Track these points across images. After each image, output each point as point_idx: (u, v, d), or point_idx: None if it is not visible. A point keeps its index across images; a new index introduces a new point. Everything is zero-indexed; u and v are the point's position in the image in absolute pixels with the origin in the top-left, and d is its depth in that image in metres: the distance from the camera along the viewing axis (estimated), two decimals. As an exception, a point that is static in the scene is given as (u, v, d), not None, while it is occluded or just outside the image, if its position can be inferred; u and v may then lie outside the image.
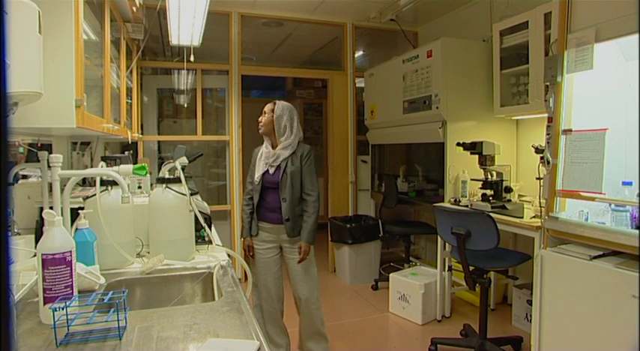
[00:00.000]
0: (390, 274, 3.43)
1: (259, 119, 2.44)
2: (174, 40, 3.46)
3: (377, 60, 4.63)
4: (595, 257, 1.93)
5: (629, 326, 1.72)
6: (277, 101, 2.46)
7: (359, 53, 5.06)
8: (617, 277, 1.79)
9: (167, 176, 1.69)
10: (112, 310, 1.03)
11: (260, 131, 2.44)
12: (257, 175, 2.41)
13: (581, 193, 2.06)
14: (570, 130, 2.16)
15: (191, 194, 1.71)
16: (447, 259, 3.18)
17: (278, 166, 2.38)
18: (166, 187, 1.64)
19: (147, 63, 4.14)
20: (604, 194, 1.97)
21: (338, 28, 4.55)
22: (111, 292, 1.08)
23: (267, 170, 2.39)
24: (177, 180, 1.67)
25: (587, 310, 1.91)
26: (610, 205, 2.00)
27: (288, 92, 6.76)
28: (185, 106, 4.58)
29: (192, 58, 3.04)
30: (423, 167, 3.87)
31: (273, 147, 2.43)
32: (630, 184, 1.95)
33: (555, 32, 2.26)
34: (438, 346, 2.74)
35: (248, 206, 2.46)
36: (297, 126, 2.43)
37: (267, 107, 2.44)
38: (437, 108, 3.24)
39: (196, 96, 4.13)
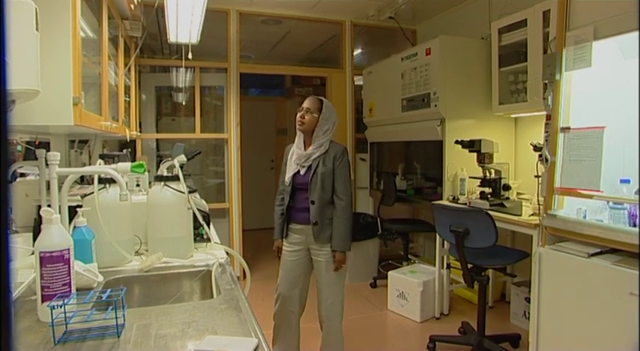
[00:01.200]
0: (389, 272, 3.43)
1: (300, 115, 2.26)
2: (172, 38, 3.45)
3: (376, 58, 4.62)
4: (593, 255, 1.93)
5: (627, 324, 1.73)
6: (323, 99, 2.32)
7: (358, 51, 5.06)
8: (615, 275, 1.79)
9: (165, 174, 1.69)
10: (110, 307, 1.02)
11: (299, 128, 2.29)
12: (288, 176, 2.29)
13: (580, 191, 2.06)
14: (569, 128, 2.16)
15: (189, 192, 1.71)
16: (445, 256, 3.19)
17: (309, 167, 2.25)
18: (164, 184, 1.64)
19: (145, 61, 4.13)
20: (602, 192, 1.97)
21: (336, 26, 4.55)
22: (109, 290, 1.08)
23: (299, 171, 2.28)
24: (176, 178, 1.67)
25: (585, 307, 1.91)
26: (608, 202, 2.01)
27: (287, 90, 6.75)
28: (183, 104, 4.58)
29: (190, 56, 3.02)
30: (422, 165, 3.87)
31: (306, 146, 2.30)
32: (628, 181, 1.95)
33: (554, 30, 2.26)
34: (437, 343, 2.74)
35: (280, 206, 2.37)
36: (334, 127, 2.31)
37: (312, 105, 2.26)
38: (435, 106, 3.24)
39: (195, 94, 4.12)
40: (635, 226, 1.90)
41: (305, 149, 2.29)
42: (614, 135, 2.02)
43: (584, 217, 2.09)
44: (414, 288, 3.17)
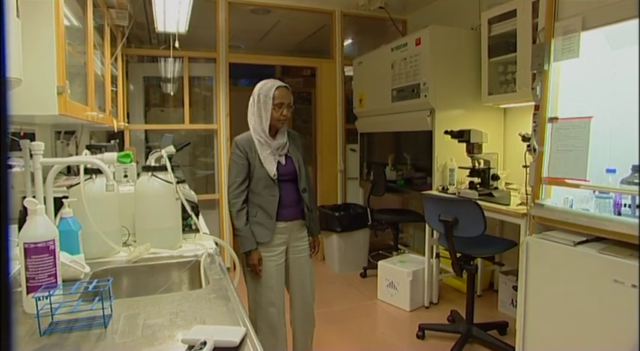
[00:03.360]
0: (379, 262, 3.45)
1: (284, 113, 2.08)
2: (159, 27, 3.41)
3: (366, 48, 4.60)
4: (579, 243, 1.96)
5: (612, 310, 1.76)
6: (288, 87, 2.17)
7: (348, 41, 5.03)
8: (600, 262, 1.82)
9: (153, 164, 1.67)
10: (97, 298, 1.02)
11: (281, 125, 2.12)
12: (271, 169, 2.06)
13: (567, 181, 2.08)
14: (556, 118, 2.17)
15: (177, 182, 1.70)
16: (434, 246, 3.21)
17: (286, 156, 2.14)
18: (152, 175, 1.63)
19: (132, 51, 4.07)
20: (588, 181, 2.00)
21: (326, 16, 4.51)
22: (95, 281, 1.07)
23: (279, 161, 2.11)
24: (163, 168, 1.65)
25: (571, 294, 1.94)
26: (594, 192, 2.03)
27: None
28: (172, 94, 4.53)
29: (177, 45, 2.99)
30: (412, 155, 3.88)
31: (273, 136, 2.12)
32: (614, 171, 1.98)
33: (543, 20, 2.26)
34: (426, 331, 2.78)
35: (243, 210, 2.07)
36: None
37: (290, 98, 2.13)
38: (425, 96, 3.24)
39: (183, 84, 4.08)
40: (619, 214, 1.93)
41: (274, 139, 2.12)
42: (600, 125, 2.04)
43: (571, 206, 2.11)
44: (403, 277, 3.19)
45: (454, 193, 2.95)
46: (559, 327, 2.01)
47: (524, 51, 2.83)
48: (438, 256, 3.19)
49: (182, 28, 3.38)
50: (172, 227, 1.67)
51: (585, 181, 2.00)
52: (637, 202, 1.89)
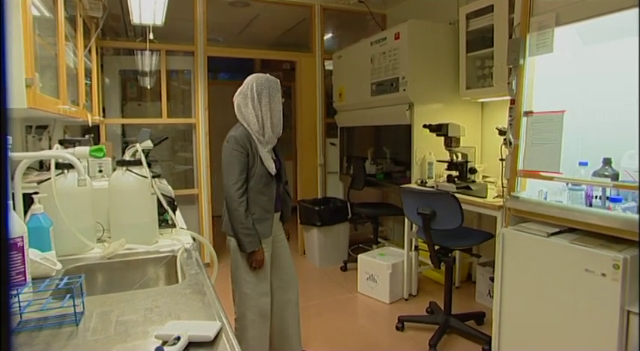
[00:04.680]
0: (359, 255, 3.48)
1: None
2: (135, 19, 3.33)
3: (346, 42, 4.59)
4: (552, 234, 2.01)
5: (583, 298, 1.81)
6: None
7: (328, 36, 5.02)
8: (572, 253, 1.86)
9: (127, 159, 1.64)
10: (68, 295, 1.00)
11: None
12: (272, 167, 2.08)
13: (541, 173, 2.13)
14: (531, 112, 2.21)
15: (153, 177, 1.67)
16: (413, 239, 3.25)
17: (273, 150, 2.16)
18: (127, 169, 1.60)
19: (108, 43, 3.98)
20: (561, 174, 2.04)
21: (306, 9, 4.48)
22: (66, 278, 1.05)
23: (272, 158, 2.13)
24: (138, 162, 1.62)
25: (545, 284, 1.99)
26: (567, 184, 2.08)
27: (257, 75, 6.65)
28: (150, 88, 4.44)
29: (151, 36, 2.93)
30: (391, 149, 3.90)
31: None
32: (586, 164, 2.03)
33: (518, 16, 2.30)
34: (405, 323, 2.81)
35: (248, 210, 2.04)
36: None
37: None
38: (404, 90, 3.26)
39: (161, 78, 4.01)
40: (590, 205, 1.98)
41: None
42: (573, 119, 2.08)
43: (545, 198, 2.16)
44: (383, 270, 3.22)
45: (433, 187, 2.98)
46: (533, 315, 2.06)
47: (501, 46, 2.86)
48: (416, 248, 3.23)
49: (158, 20, 3.32)
50: (148, 222, 1.65)
51: (558, 173, 2.05)
52: (607, 193, 1.95)
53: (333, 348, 2.59)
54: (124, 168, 1.60)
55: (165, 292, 1.20)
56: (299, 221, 4.32)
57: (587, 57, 2.19)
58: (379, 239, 4.15)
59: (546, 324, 1.99)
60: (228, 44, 5.19)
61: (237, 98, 2.11)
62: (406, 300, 3.28)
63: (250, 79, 2.09)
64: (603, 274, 1.72)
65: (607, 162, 1.97)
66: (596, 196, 2.00)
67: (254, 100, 2.05)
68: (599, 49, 2.16)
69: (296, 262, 4.32)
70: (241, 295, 2.15)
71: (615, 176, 1.93)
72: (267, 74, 2.13)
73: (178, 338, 0.85)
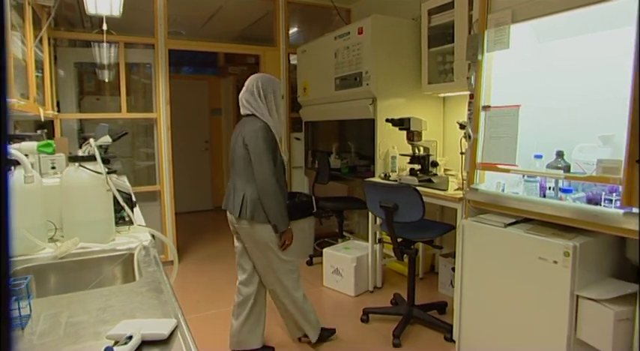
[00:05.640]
0: (324, 249, 3.49)
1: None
2: (90, 9, 3.19)
3: (312, 37, 4.58)
4: (509, 224, 2.07)
5: (537, 284, 1.89)
6: None
7: (294, 30, 4.98)
8: (526, 242, 1.93)
9: (80, 154, 1.58)
10: (13, 298, 0.95)
11: None
12: (286, 157, 2.38)
13: (498, 166, 2.19)
14: (489, 107, 2.27)
15: (109, 173, 1.61)
16: (377, 232, 3.28)
17: None
18: (80, 165, 1.53)
19: (62, 34, 3.81)
20: (517, 166, 2.11)
21: (270, 2, 4.44)
22: (11, 279, 0.99)
23: None
24: (92, 158, 1.56)
25: (502, 272, 2.06)
26: (523, 176, 2.15)
27: (221, 69, 6.54)
28: (108, 82, 4.28)
29: (104, 27, 2.82)
30: (356, 144, 3.93)
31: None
32: (541, 157, 2.10)
33: (477, 12, 2.35)
34: (370, 315, 2.85)
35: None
36: None
37: None
38: (367, 85, 3.28)
39: (119, 71, 3.88)
40: (544, 196, 2.06)
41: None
42: (530, 114, 2.15)
43: (503, 190, 2.23)
44: (347, 264, 3.24)
45: (396, 180, 3.02)
46: (491, 303, 2.13)
47: (461, 42, 2.92)
48: (380, 241, 3.27)
49: (115, 10, 3.20)
50: (104, 220, 1.59)
51: (514, 166, 2.12)
52: (559, 185, 2.03)
53: (298, 342, 2.60)
54: (77, 164, 1.54)
55: (120, 290, 1.16)
56: (265, 216, 4.29)
57: (542, 54, 2.27)
58: (344, 233, 4.18)
59: (503, 310, 2.06)
60: (191, 37, 5.07)
61: (244, 95, 2.30)
62: (371, 292, 3.32)
63: (254, 78, 2.31)
64: (555, 262, 1.80)
65: (560, 154, 2.05)
66: (549, 187, 2.08)
67: (261, 96, 2.27)
68: (553, 46, 2.24)
69: (262, 257, 4.32)
70: (284, 275, 2.38)
71: (567, 168, 2.01)
72: (268, 74, 2.40)
73: (130, 337, 0.82)
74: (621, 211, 1.65)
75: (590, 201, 1.88)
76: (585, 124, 2.05)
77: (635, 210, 1.61)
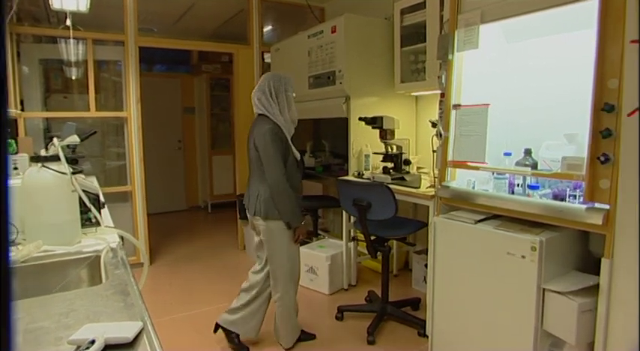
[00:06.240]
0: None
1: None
2: (55, 4, 3.10)
3: (287, 35, 4.56)
4: (479, 221, 2.11)
5: (505, 279, 1.93)
6: None
7: (268, 28, 4.95)
8: (495, 238, 1.98)
9: (43, 154, 1.53)
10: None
11: None
12: (298, 155, 2.43)
13: (468, 163, 2.23)
14: (459, 105, 2.31)
15: (74, 173, 1.57)
16: (351, 230, 3.30)
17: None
18: (42, 165, 1.48)
19: (25, 29, 3.67)
20: (486, 164, 2.15)
21: (244, 0, 4.39)
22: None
23: None
24: (56, 158, 1.51)
25: (472, 268, 2.10)
26: (493, 173, 2.20)
27: (194, 67, 6.45)
28: (75, 79, 4.16)
29: (68, 22, 2.74)
30: (330, 142, 3.94)
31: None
32: (510, 154, 2.15)
33: (447, 12, 2.38)
34: (344, 313, 2.86)
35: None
36: None
37: None
38: (340, 83, 3.29)
39: (88, 69, 3.77)
40: (513, 193, 2.11)
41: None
42: (500, 113, 2.20)
43: (473, 187, 2.27)
44: (322, 262, 3.25)
45: (369, 178, 3.04)
46: (463, 298, 2.16)
47: (433, 41, 2.95)
48: (354, 239, 3.29)
49: (82, 5, 3.11)
50: (69, 222, 1.54)
51: (484, 163, 2.16)
52: (527, 181, 2.08)
53: (274, 341, 2.58)
54: (40, 164, 1.49)
55: (85, 294, 1.13)
56: (238, 216, 4.26)
57: (511, 54, 2.32)
58: (319, 231, 4.19)
59: (474, 304, 2.10)
60: (163, 35, 4.98)
61: (256, 94, 2.36)
62: (346, 290, 3.34)
63: (267, 77, 2.39)
64: (523, 256, 1.84)
65: (528, 152, 2.11)
66: (518, 184, 2.13)
67: (272, 95, 2.33)
68: (521, 47, 2.29)
69: (236, 257, 4.29)
70: (287, 273, 2.40)
71: (535, 165, 2.06)
72: (280, 73, 2.48)
73: (93, 342, 0.80)
74: (584, 207, 1.71)
75: (555, 197, 1.94)
76: (553, 122, 2.11)
77: (597, 205, 1.67)
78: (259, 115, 2.37)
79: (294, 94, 2.43)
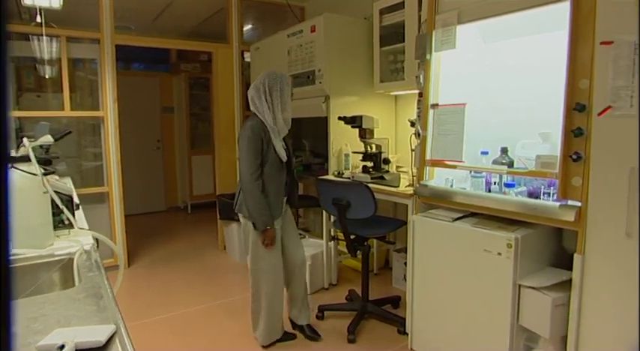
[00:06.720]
0: (280, 248, 3.46)
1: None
2: (27, 0, 3.02)
3: (267, 34, 4.53)
4: (456, 219, 2.14)
5: (482, 275, 1.96)
6: None
7: (248, 27, 4.92)
8: (473, 235, 2.01)
9: (12, 155, 1.48)
10: None
11: None
12: (284, 155, 2.36)
13: (446, 162, 2.26)
14: (437, 105, 2.34)
15: (45, 174, 1.53)
16: (331, 229, 3.30)
17: (284, 141, 2.44)
18: (12, 166, 1.44)
19: (-5, 26, 3.56)
20: (464, 162, 2.18)
21: (222, -2, 4.36)
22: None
23: (283, 147, 2.41)
24: (26, 158, 1.47)
25: (450, 265, 2.13)
26: (470, 172, 2.23)
27: (173, 66, 6.36)
28: (49, 77, 4.05)
29: (38, 19, 2.67)
30: (310, 142, 3.93)
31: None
32: (487, 153, 2.18)
33: (425, 13, 2.41)
34: (325, 312, 2.86)
35: (263, 192, 2.30)
36: None
37: None
38: (320, 83, 3.29)
39: (62, 67, 3.68)
40: (489, 191, 2.14)
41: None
42: (477, 112, 2.23)
43: (451, 185, 2.30)
44: (303, 262, 3.24)
45: (349, 178, 3.05)
46: (441, 294, 2.19)
47: (412, 41, 2.96)
48: (334, 238, 3.29)
49: (55, 2, 3.04)
50: (40, 224, 1.50)
51: (461, 162, 2.19)
52: (503, 179, 2.12)
53: (255, 343, 2.57)
54: (9, 165, 1.44)
55: (57, 298, 1.10)
56: (218, 216, 4.23)
57: (487, 54, 2.36)
58: (300, 231, 4.17)
59: (452, 301, 2.13)
60: (141, 33, 4.89)
61: (251, 92, 2.36)
62: (326, 289, 3.34)
63: (264, 74, 2.36)
64: (499, 253, 1.88)
65: (504, 151, 2.14)
66: (494, 183, 2.16)
67: (266, 94, 2.31)
68: (497, 47, 2.32)
69: (217, 257, 4.26)
70: (258, 271, 2.42)
71: (511, 164, 2.10)
72: (278, 71, 2.43)
73: (62, 347, 0.78)
74: (557, 204, 1.74)
75: (530, 195, 1.98)
76: (529, 121, 2.15)
77: (569, 202, 1.71)
78: (253, 113, 2.39)
79: (292, 93, 2.42)
